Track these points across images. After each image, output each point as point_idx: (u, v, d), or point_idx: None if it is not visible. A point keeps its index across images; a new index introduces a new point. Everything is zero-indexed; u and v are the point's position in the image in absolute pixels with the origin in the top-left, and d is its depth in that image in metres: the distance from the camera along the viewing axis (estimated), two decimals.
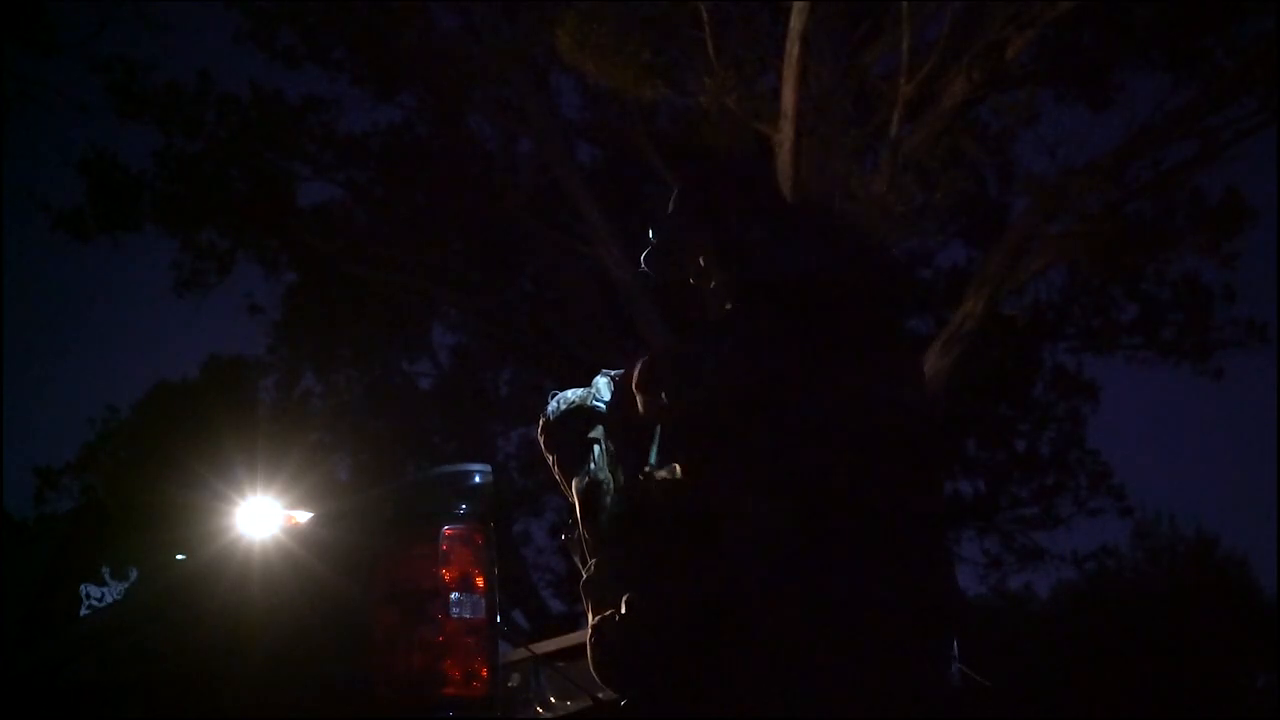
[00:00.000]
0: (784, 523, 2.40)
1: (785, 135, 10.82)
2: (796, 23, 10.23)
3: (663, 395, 2.58)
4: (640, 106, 13.01)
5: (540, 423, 2.97)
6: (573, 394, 3.11)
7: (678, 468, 2.58)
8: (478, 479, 3.15)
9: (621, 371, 2.90)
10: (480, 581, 3.14)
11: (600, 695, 3.38)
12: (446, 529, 3.17)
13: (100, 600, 6.39)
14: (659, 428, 2.66)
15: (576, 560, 2.87)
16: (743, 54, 11.13)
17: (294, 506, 13.04)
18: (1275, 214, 12.48)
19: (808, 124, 10.63)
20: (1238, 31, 12.30)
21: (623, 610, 2.62)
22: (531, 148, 15.94)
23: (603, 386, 3.02)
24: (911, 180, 10.71)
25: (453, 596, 3.09)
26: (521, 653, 4.62)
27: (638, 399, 2.64)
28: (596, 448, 2.88)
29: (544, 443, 2.96)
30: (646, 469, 2.68)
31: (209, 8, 15.24)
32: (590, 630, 2.73)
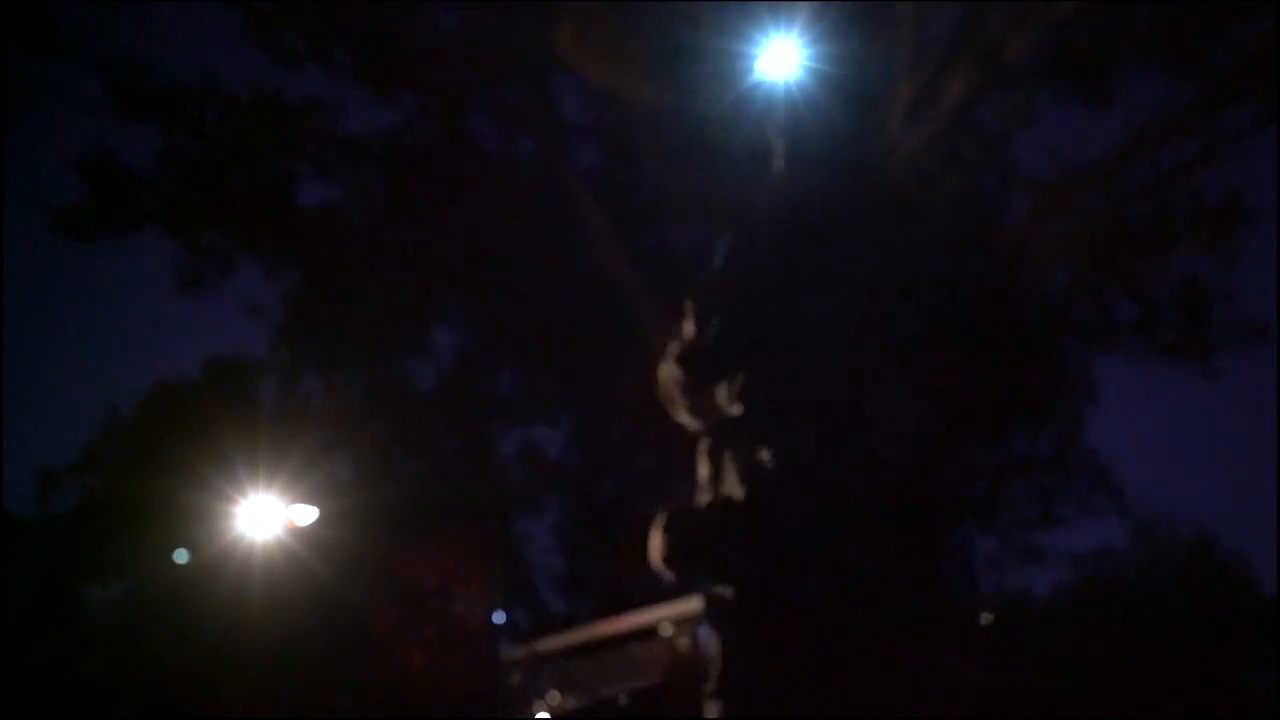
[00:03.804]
0: None
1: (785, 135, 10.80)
2: None
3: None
4: (640, 106, 13.02)
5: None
6: None
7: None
8: None
9: None
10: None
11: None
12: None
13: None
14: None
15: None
16: (742, 53, 11.12)
17: (295, 506, 13.04)
18: (1275, 214, 12.48)
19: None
20: (1238, 31, 12.30)
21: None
22: (532, 148, 15.95)
23: None
24: (911, 180, 10.71)
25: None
26: (522, 651, 4.65)
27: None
28: None
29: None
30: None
31: (209, 8, 15.23)
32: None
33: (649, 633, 11.10)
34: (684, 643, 11.03)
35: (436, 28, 14.71)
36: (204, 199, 14.93)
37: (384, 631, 13.88)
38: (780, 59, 2.66)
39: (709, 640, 2.66)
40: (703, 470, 2.68)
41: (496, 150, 16.12)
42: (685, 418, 2.79)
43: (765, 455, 2.62)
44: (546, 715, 9.93)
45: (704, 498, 2.67)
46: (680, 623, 11.15)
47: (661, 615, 11.46)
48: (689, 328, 2.76)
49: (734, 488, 2.63)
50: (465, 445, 18.21)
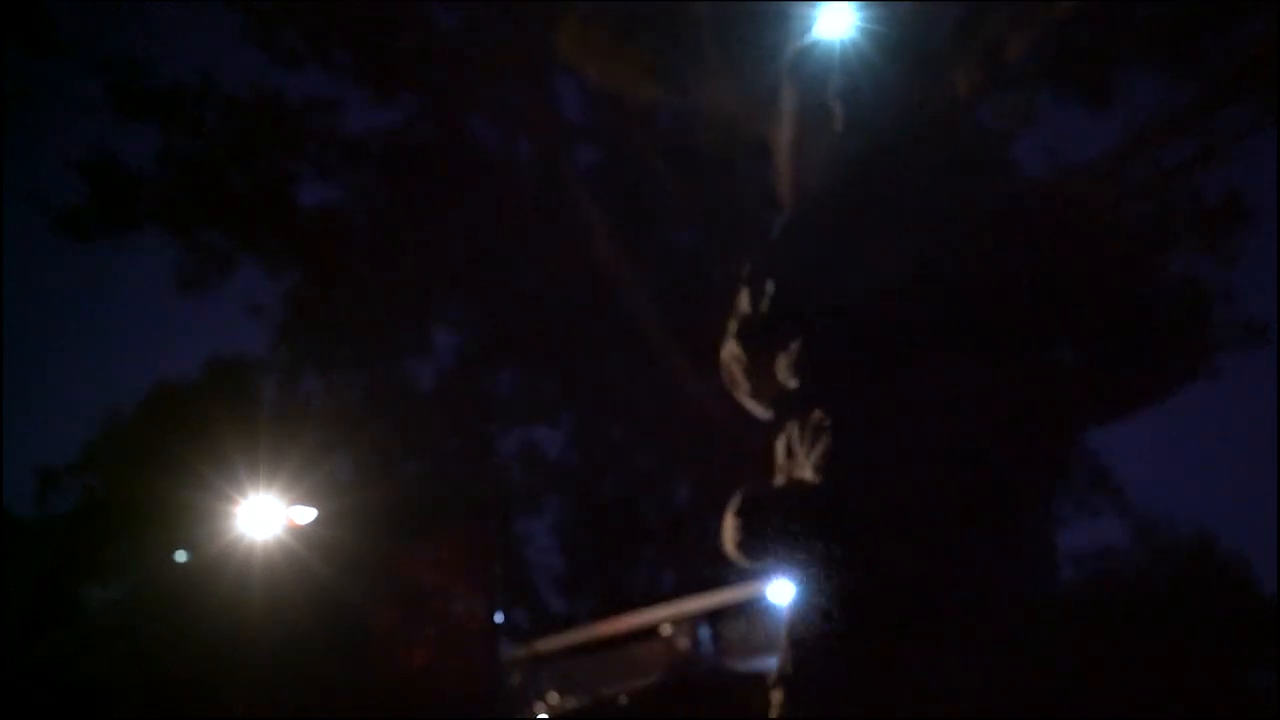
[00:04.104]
0: None
1: (785, 136, 10.81)
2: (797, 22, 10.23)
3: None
4: (640, 106, 13.03)
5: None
6: None
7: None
8: None
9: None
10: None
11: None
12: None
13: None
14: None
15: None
16: (743, 54, 11.14)
17: (295, 506, 13.04)
18: (1275, 214, 12.49)
19: (810, 123, 10.62)
20: (1238, 31, 12.31)
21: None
22: (531, 148, 15.96)
23: None
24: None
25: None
26: (522, 651, 4.64)
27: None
28: None
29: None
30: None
31: (209, 8, 15.24)
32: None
33: (649, 633, 11.10)
34: (684, 643, 11.03)
35: (436, 28, 14.73)
36: (204, 199, 14.94)
37: (384, 631, 13.89)
38: (836, 19, 2.60)
39: (781, 622, 2.61)
40: (778, 451, 2.63)
41: (496, 150, 16.13)
42: (750, 402, 2.73)
43: (827, 430, 2.56)
44: (546, 715, 9.94)
45: (778, 480, 2.63)
46: (680, 623, 11.15)
47: (661, 615, 11.46)
48: (744, 302, 2.70)
49: (805, 469, 2.58)
50: (465, 445, 18.21)
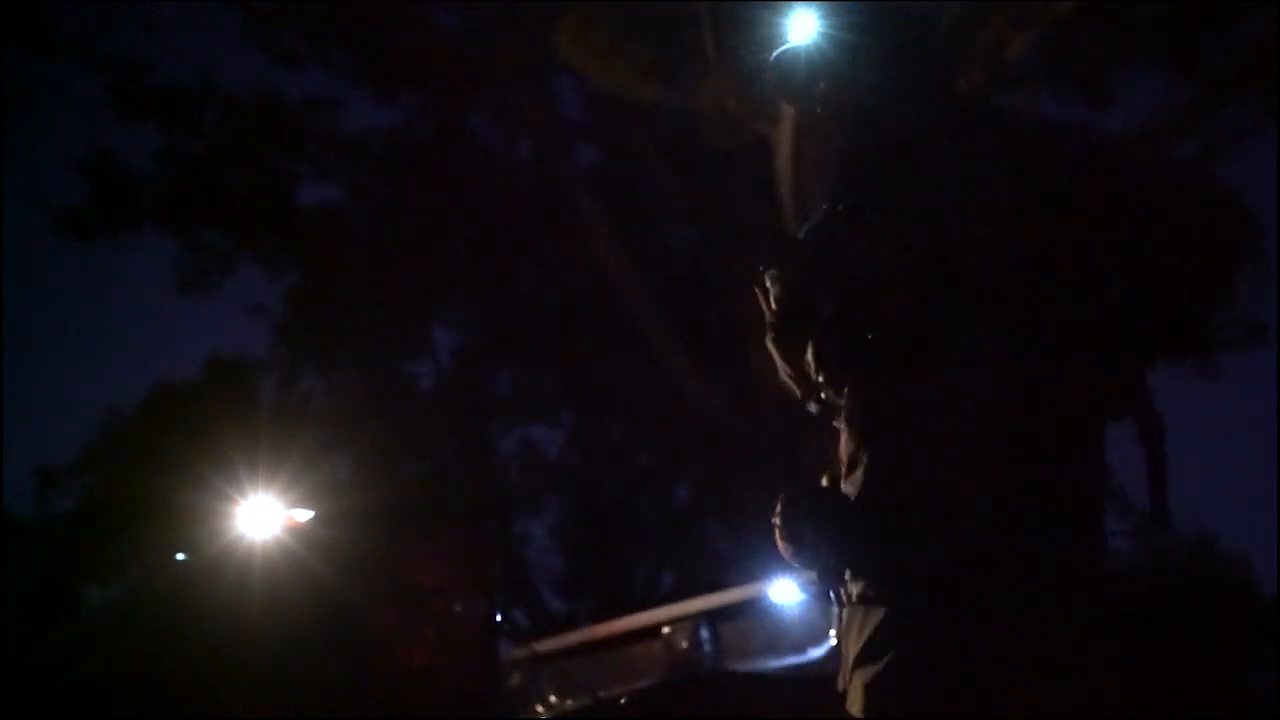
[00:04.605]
0: None
1: (785, 136, 10.85)
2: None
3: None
4: (640, 106, 13.03)
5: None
6: None
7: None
8: None
9: None
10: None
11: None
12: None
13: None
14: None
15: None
16: (743, 54, 11.14)
17: (295, 506, 13.06)
18: (1275, 214, 12.49)
19: (807, 124, 10.65)
20: (1238, 31, 12.32)
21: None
22: (531, 148, 15.97)
23: None
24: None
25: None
26: (522, 651, 4.64)
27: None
28: None
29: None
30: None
31: (209, 8, 15.26)
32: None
33: (649, 633, 11.09)
34: (684, 643, 11.02)
35: (436, 28, 14.74)
36: (204, 199, 14.95)
37: (384, 631, 13.88)
38: (803, 24, 2.56)
39: (781, 623, 2.61)
40: (839, 449, 2.61)
41: (496, 150, 16.14)
42: (804, 400, 2.71)
43: (852, 421, 2.55)
44: (546, 716, 9.95)
45: (822, 476, 2.62)
46: (680, 623, 11.14)
47: (661, 615, 11.45)
48: (761, 300, 2.69)
49: (842, 463, 2.58)
50: (465, 445, 18.23)
